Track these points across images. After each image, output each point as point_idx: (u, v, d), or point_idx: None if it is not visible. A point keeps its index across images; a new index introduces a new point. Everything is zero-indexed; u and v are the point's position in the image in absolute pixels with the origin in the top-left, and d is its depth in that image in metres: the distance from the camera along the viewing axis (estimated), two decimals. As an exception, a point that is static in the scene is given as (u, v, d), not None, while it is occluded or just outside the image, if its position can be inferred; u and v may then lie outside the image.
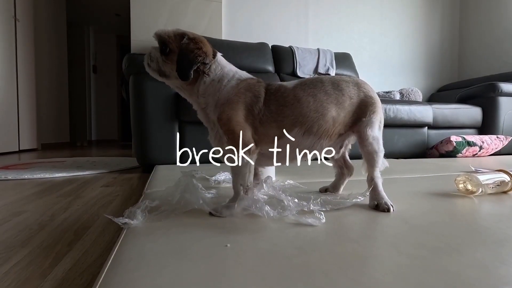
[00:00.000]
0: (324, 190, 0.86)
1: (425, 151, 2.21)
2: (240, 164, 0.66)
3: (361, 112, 0.73)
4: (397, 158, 1.98)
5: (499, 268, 0.40)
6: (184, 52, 0.66)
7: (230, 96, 0.67)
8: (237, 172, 0.67)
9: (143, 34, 2.36)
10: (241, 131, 0.66)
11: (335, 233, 0.55)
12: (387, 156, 0.78)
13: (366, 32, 3.07)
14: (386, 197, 0.70)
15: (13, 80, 3.06)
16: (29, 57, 3.35)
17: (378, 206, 0.68)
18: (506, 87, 2.29)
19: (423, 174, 1.23)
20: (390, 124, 2.04)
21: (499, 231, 0.55)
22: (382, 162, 0.76)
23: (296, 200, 0.64)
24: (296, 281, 0.37)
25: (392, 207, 0.68)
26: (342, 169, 0.84)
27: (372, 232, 0.58)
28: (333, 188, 0.85)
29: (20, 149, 3.15)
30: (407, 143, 2.14)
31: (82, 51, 5.33)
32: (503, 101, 2.30)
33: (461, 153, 2.04)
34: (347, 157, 0.84)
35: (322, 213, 0.60)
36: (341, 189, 0.85)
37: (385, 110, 2.01)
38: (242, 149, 0.66)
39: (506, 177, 0.84)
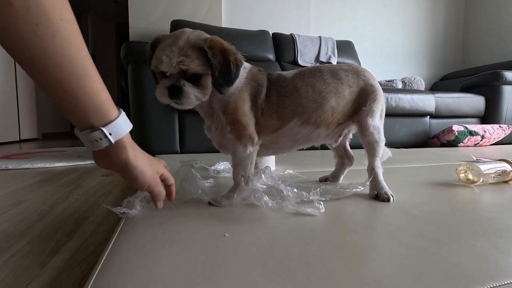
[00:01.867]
0: (324, 180, 0.86)
1: (426, 141, 2.20)
2: (242, 155, 0.65)
3: (361, 100, 0.71)
4: (398, 148, 1.97)
5: (499, 258, 0.40)
6: (230, 70, 0.60)
7: (238, 86, 0.65)
8: (238, 163, 0.66)
9: (142, 21, 2.32)
10: (246, 122, 0.64)
11: (335, 223, 0.55)
12: (388, 145, 0.77)
13: (369, 20, 3.01)
14: (386, 187, 0.69)
15: (12, 70, 3.03)
16: (27, 45, 3.31)
17: (378, 196, 0.68)
18: (511, 75, 2.25)
19: (424, 164, 1.22)
20: (391, 113, 2.02)
21: (500, 221, 0.54)
22: (385, 152, 0.76)
23: (295, 190, 0.64)
24: (294, 271, 0.36)
25: (392, 197, 0.67)
26: (343, 158, 0.84)
27: (371, 222, 0.57)
28: (333, 177, 0.85)
29: (21, 138, 3.16)
30: (408, 132, 2.12)
31: (81, 39, 5.26)
32: (507, 90, 2.27)
33: (462, 142, 2.03)
34: (348, 147, 0.84)
35: (322, 203, 0.59)
36: (341, 178, 0.85)
37: (387, 99, 1.99)
38: (247, 141, 0.65)
39: (507, 167, 0.83)
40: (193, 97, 0.59)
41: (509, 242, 0.45)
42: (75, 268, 0.48)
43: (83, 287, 0.35)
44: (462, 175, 0.84)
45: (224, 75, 0.59)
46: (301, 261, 0.39)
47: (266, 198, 0.60)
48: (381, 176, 0.71)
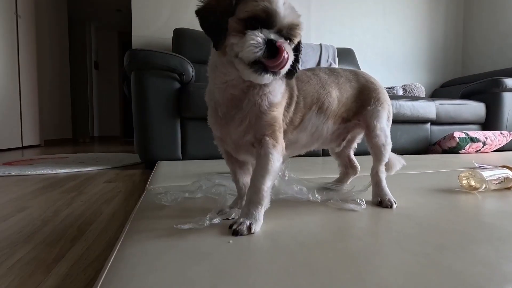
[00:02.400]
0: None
1: (428, 147, 2.19)
2: (276, 165, 0.56)
3: (364, 98, 0.71)
4: (400, 154, 1.96)
5: (503, 265, 0.40)
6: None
7: (282, 88, 0.60)
8: (270, 173, 0.55)
9: (144, 30, 2.35)
10: (282, 129, 0.60)
11: (338, 229, 0.55)
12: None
13: (369, 28, 3.04)
14: (389, 194, 0.69)
15: (15, 77, 3.06)
16: (31, 53, 3.35)
17: (381, 202, 0.68)
18: (511, 82, 2.27)
19: (426, 170, 1.22)
20: (392, 120, 2.02)
21: (503, 227, 0.54)
22: (398, 161, 0.76)
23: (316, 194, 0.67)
24: (298, 278, 0.37)
25: (395, 203, 0.67)
26: (347, 168, 0.84)
27: (375, 228, 0.58)
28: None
29: (23, 145, 3.17)
30: (410, 139, 2.13)
31: (84, 47, 5.33)
32: (507, 96, 2.28)
33: (464, 149, 2.03)
34: (352, 157, 0.83)
35: (363, 199, 0.65)
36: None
37: (388, 106, 1.99)
38: (281, 149, 0.57)
39: (510, 173, 0.84)
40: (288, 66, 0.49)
41: (513, 248, 0.45)
42: (80, 275, 0.48)
43: (89, 293, 0.35)
44: (464, 182, 0.84)
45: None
46: (306, 268, 0.39)
47: (309, 191, 0.63)
48: (384, 182, 0.71)
